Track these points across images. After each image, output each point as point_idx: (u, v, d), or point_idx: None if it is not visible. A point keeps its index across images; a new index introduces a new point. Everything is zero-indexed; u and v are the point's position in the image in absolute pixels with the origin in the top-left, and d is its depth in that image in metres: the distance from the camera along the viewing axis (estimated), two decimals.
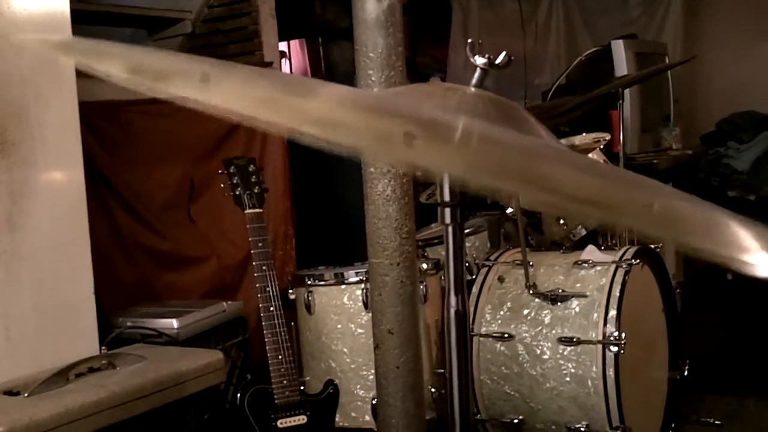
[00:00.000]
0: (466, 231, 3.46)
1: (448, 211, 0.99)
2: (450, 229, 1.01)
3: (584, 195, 0.70)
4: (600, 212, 0.69)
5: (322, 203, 4.43)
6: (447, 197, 0.98)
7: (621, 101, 3.80)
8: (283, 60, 5.88)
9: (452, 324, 1.01)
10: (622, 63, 4.99)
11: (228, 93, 0.78)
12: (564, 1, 6.73)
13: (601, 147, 3.44)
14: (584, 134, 3.45)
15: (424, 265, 3.09)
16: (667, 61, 5.58)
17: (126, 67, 0.79)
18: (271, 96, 0.78)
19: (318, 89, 0.78)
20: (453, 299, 1.02)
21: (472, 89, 0.96)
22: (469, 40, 1.00)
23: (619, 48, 5.04)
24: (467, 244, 3.45)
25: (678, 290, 3.54)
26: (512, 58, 0.99)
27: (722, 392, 3.82)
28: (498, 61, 1.00)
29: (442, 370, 3.00)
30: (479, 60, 1.00)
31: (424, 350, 2.71)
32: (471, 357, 2.98)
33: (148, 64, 0.81)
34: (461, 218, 1.00)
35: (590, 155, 3.40)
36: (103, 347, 2.78)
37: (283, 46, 5.79)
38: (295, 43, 6.46)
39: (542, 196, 0.69)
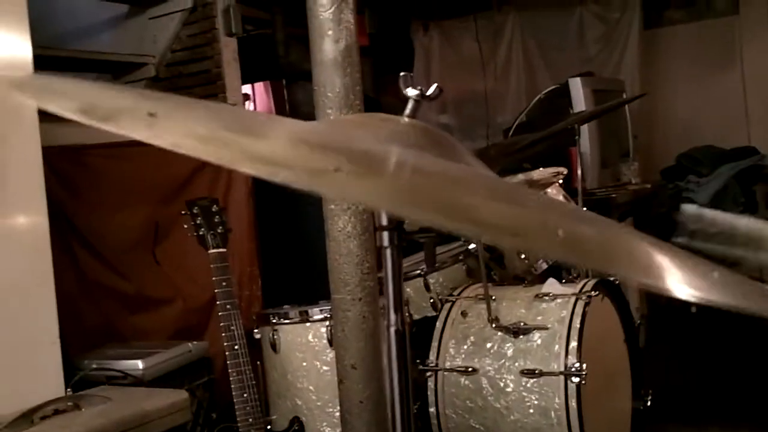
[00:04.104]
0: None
1: (386, 234, 1.04)
2: (388, 251, 1.05)
3: (500, 224, 0.74)
4: (514, 240, 0.74)
5: (287, 243, 4.45)
6: (384, 221, 1.03)
7: (578, 137, 3.87)
8: (247, 102, 5.92)
9: (392, 343, 1.05)
10: (579, 100, 5.07)
11: (173, 131, 0.81)
12: (523, 40, 6.83)
13: (560, 182, 3.50)
14: (542, 169, 3.51)
15: None
16: (624, 97, 5.67)
17: (77, 107, 0.82)
18: (214, 135, 0.81)
19: (258, 125, 0.82)
20: (393, 317, 1.06)
21: (405, 119, 1.02)
22: (401, 74, 1.06)
23: (576, 85, 5.13)
24: (431, 281, 3.48)
25: (640, 323, 3.59)
26: (442, 90, 1.05)
27: (685, 423, 3.87)
28: (429, 92, 1.06)
29: None
30: (411, 92, 1.06)
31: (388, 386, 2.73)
32: (435, 392, 3.01)
33: (98, 103, 0.84)
34: (398, 240, 1.04)
35: (550, 189, 3.45)
36: (69, 389, 2.78)
37: (247, 88, 5.83)
38: (259, 86, 6.50)
39: (462, 226, 0.73)
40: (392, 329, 1.06)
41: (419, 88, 1.04)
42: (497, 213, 0.76)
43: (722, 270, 0.81)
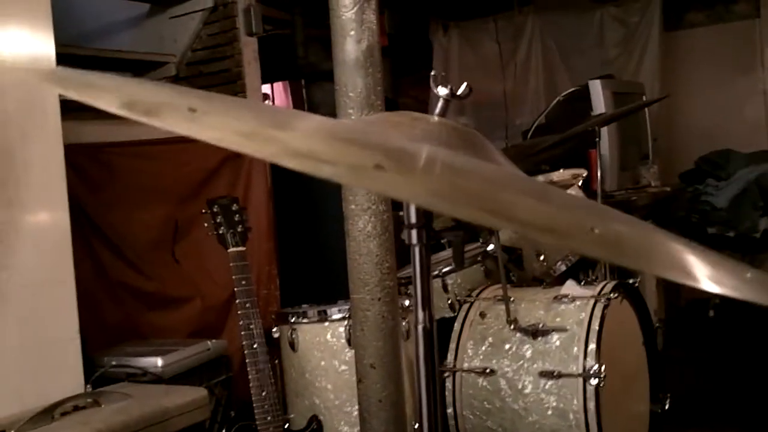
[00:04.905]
0: (448, 269, 3.50)
1: (414, 232, 1.04)
2: (416, 249, 1.06)
3: (536, 221, 0.75)
4: (549, 237, 0.74)
5: (305, 243, 4.46)
6: (413, 219, 1.04)
7: (598, 139, 3.87)
8: (266, 102, 5.93)
9: (420, 341, 1.06)
10: (599, 102, 5.07)
11: (213, 125, 0.82)
12: (543, 43, 6.82)
13: (580, 183, 3.50)
14: (562, 170, 3.52)
15: (406, 302, 3.12)
16: (644, 100, 5.66)
17: (120, 101, 0.83)
18: (254, 129, 0.82)
19: (296, 121, 0.83)
20: (420, 315, 1.07)
21: (436, 118, 1.02)
22: (432, 73, 1.06)
23: (596, 88, 5.12)
24: (449, 281, 3.48)
25: (659, 326, 3.58)
26: (472, 89, 1.05)
27: (703, 427, 3.86)
28: (459, 92, 1.07)
29: None
30: (441, 91, 1.06)
31: (407, 386, 2.74)
32: (453, 392, 3.01)
33: (140, 98, 0.86)
34: (426, 239, 1.05)
35: (569, 191, 3.45)
36: (88, 386, 2.79)
37: (266, 88, 5.85)
38: (278, 86, 6.53)
39: (500, 222, 0.74)
40: (420, 327, 1.06)
41: (449, 87, 1.05)
42: (532, 209, 0.77)
43: (754, 271, 0.82)
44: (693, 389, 4.29)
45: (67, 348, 2.77)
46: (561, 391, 2.83)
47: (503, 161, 0.96)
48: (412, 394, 2.98)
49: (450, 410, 3.02)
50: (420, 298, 1.07)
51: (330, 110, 2.52)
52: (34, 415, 2.39)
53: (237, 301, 2.83)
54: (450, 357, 3.05)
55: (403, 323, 3.02)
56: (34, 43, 2.74)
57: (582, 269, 3.73)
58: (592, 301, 2.94)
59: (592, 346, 2.82)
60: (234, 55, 4.56)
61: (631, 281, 3.19)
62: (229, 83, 4.56)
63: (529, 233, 0.75)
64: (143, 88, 0.90)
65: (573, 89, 5.50)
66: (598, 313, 2.89)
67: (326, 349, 3.10)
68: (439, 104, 1.06)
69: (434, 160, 0.76)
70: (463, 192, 0.75)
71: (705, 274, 0.79)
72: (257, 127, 0.84)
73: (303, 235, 4.48)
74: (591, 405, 2.76)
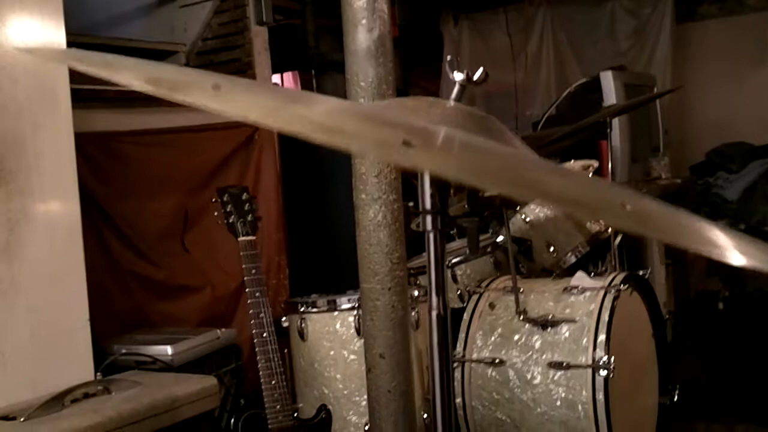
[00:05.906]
0: (457, 260, 3.50)
1: (429, 218, 1.04)
2: (431, 235, 1.06)
3: (568, 196, 0.76)
4: (582, 211, 0.75)
5: (315, 232, 4.47)
6: (428, 205, 1.04)
7: (609, 130, 3.85)
8: None
9: (434, 327, 1.06)
10: (610, 93, 5.05)
11: (239, 101, 0.83)
12: (554, 34, 6.80)
13: (590, 175, 3.49)
14: (573, 161, 3.51)
15: (416, 292, 3.12)
16: (655, 92, 5.64)
17: (145, 77, 0.84)
18: (279, 105, 0.83)
19: (319, 100, 0.83)
20: (434, 300, 1.07)
21: (452, 103, 1.02)
22: (448, 57, 1.06)
23: (607, 79, 5.10)
24: (458, 272, 3.48)
25: (668, 318, 3.57)
26: (488, 74, 1.05)
27: (712, 419, 3.85)
28: (475, 77, 1.06)
29: None
30: (457, 76, 1.06)
31: (416, 376, 2.74)
32: (462, 383, 3.01)
33: (164, 76, 0.86)
34: (441, 225, 1.05)
35: None
36: (99, 374, 2.80)
37: (276, 78, 5.85)
38: (288, 76, 6.52)
39: (534, 196, 0.75)
40: (434, 313, 1.06)
41: (465, 72, 1.05)
42: (562, 186, 0.78)
43: None
44: (702, 381, 4.29)
45: (77, 336, 2.78)
46: (570, 383, 2.82)
47: (520, 145, 0.96)
48: (421, 384, 2.99)
49: (459, 400, 3.02)
50: (434, 285, 1.07)
51: None
52: (45, 402, 2.40)
53: (247, 290, 2.84)
54: (459, 347, 3.05)
55: (412, 314, 3.02)
56: (45, 31, 2.74)
57: (592, 261, 3.73)
58: (602, 293, 2.94)
59: (602, 337, 2.81)
60: (244, 45, 4.56)
61: (641, 273, 3.18)
62: (239, 73, 4.56)
63: (562, 207, 0.76)
64: (166, 67, 0.90)
65: (584, 80, 5.48)
66: (608, 304, 2.88)
67: (335, 339, 3.10)
68: (456, 89, 1.06)
69: (452, 140, 0.77)
70: (490, 169, 0.75)
71: (733, 247, 0.80)
72: (282, 103, 0.84)
73: (312, 224, 4.48)
74: (600, 396, 2.76)
